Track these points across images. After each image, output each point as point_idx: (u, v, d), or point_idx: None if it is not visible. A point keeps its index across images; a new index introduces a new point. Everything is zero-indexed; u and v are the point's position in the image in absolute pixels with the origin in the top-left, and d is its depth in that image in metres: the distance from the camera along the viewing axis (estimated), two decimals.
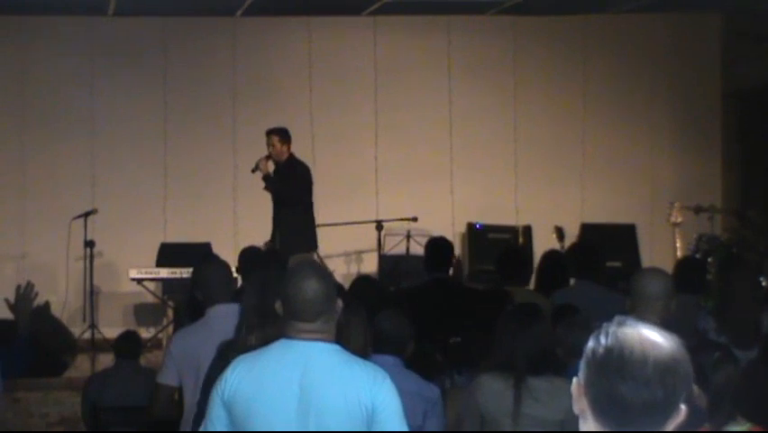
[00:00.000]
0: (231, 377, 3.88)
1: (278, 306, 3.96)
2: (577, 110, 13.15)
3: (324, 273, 3.99)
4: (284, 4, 12.29)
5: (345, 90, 12.87)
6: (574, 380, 2.35)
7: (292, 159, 10.72)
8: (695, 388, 3.83)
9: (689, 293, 6.57)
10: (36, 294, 5.50)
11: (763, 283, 8.81)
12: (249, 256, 7.89)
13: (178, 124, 12.61)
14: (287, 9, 12.44)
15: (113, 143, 12.46)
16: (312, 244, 10.74)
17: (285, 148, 10.67)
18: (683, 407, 2.30)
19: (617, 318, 2.34)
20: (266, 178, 10.65)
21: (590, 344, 2.33)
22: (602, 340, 2.31)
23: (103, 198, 12.21)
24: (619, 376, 2.26)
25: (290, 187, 10.60)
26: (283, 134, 10.71)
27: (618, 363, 2.27)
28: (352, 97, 12.88)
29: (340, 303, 3.98)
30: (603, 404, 2.29)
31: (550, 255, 8.22)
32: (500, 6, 12.18)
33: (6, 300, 5.56)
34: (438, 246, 7.96)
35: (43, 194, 12.29)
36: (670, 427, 2.29)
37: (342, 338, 4.55)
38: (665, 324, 4.94)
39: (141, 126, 12.54)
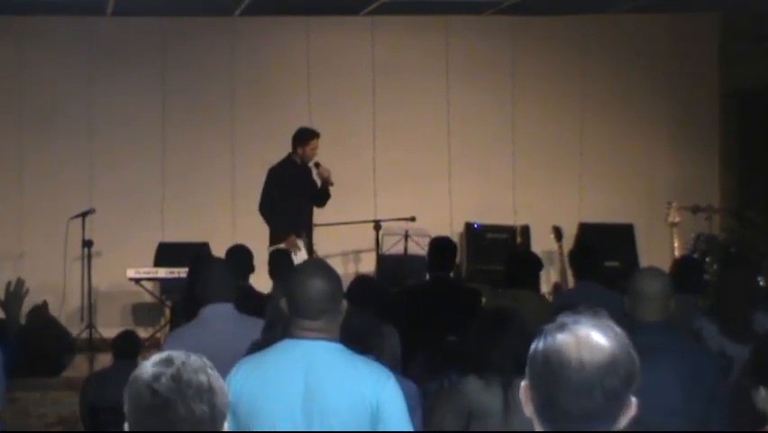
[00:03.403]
0: (234, 378, 3.87)
1: (283, 303, 3.96)
2: (575, 110, 13.14)
3: (329, 272, 3.97)
4: (282, 4, 12.28)
5: (343, 90, 12.85)
6: (522, 384, 2.32)
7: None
8: None
9: (686, 293, 6.57)
10: (27, 291, 5.44)
11: (762, 283, 8.81)
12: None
13: (176, 123, 12.60)
14: (285, 9, 12.43)
15: (111, 143, 12.45)
16: None
17: None
18: (634, 400, 2.27)
19: (558, 320, 2.28)
20: (329, 181, 10.79)
21: (532, 349, 2.29)
22: (540, 346, 2.27)
23: (101, 198, 12.20)
24: (557, 385, 2.23)
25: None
26: None
27: (556, 371, 2.23)
28: (350, 97, 12.86)
29: (345, 304, 3.97)
30: (546, 411, 2.27)
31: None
32: (498, 6, 12.17)
33: None
34: (442, 247, 7.96)
35: (41, 194, 12.27)
36: (623, 423, 2.26)
37: (375, 348, 4.56)
38: (665, 323, 4.98)
39: (139, 126, 12.53)
